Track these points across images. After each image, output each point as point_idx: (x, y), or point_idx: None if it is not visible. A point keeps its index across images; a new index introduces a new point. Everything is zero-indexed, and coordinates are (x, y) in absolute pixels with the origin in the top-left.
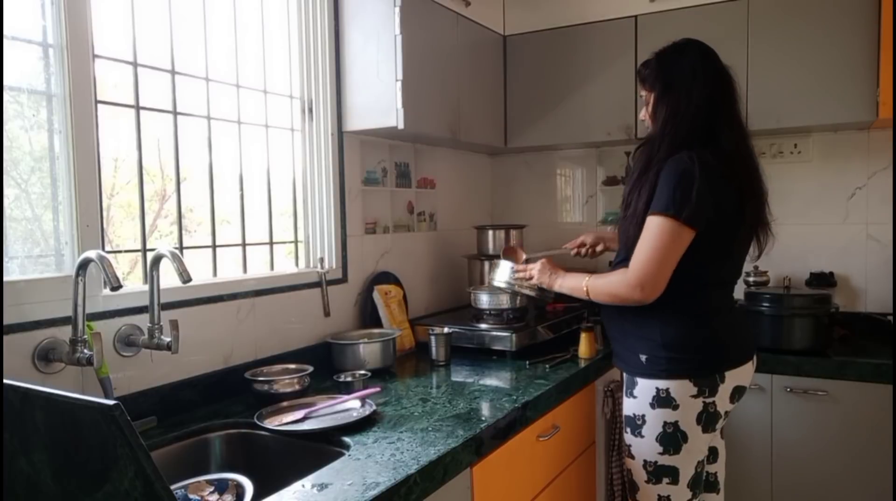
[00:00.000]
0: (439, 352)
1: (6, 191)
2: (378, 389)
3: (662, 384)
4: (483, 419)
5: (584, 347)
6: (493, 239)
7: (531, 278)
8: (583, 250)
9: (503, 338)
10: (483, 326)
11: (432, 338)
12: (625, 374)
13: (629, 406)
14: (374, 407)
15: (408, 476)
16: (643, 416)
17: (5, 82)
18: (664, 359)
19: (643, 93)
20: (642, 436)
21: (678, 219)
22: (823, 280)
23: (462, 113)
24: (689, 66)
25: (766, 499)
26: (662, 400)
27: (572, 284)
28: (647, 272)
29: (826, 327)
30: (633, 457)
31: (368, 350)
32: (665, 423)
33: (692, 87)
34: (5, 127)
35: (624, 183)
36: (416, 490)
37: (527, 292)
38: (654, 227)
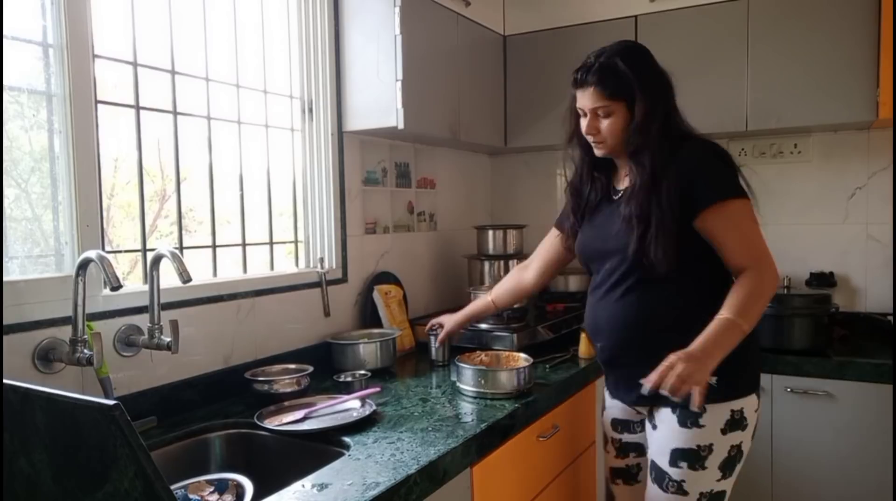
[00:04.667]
0: (439, 352)
1: (6, 191)
2: (378, 389)
3: (737, 404)
4: (483, 419)
5: (585, 347)
6: (492, 239)
7: (679, 373)
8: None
9: (503, 338)
10: (483, 326)
11: (432, 338)
12: (678, 409)
13: (690, 439)
14: (374, 407)
15: (408, 476)
16: (710, 445)
17: (5, 82)
18: (736, 375)
19: (596, 104)
20: (705, 468)
21: (746, 197)
22: (823, 280)
23: (462, 113)
24: (647, 65)
25: (766, 499)
26: (735, 423)
27: (721, 340)
28: (769, 256)
29: (826, 327)
30: (685, 493)
31: (368, 350)
32: (731, 447)
33: (657, 84)
34: (5, 127)
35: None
36: (416, 490)
37: None
38: (736, 212)
